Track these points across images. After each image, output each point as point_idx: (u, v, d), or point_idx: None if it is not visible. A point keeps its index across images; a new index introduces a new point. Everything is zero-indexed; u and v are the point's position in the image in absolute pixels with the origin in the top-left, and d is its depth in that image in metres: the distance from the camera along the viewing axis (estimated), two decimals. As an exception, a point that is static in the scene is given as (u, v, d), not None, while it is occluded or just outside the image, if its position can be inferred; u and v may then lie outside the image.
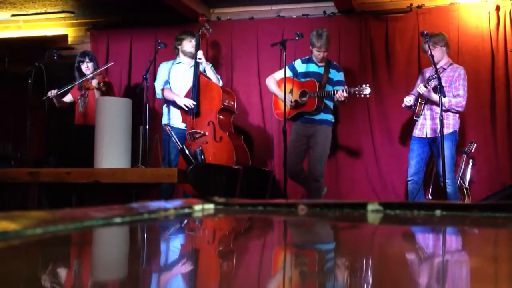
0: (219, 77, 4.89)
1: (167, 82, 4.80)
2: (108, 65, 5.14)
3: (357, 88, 4.34)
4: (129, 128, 3.47)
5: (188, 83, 4.68)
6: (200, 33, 4.73)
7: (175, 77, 4.83)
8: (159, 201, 1.02)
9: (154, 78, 5.19)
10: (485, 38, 5.13)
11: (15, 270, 0.55)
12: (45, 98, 4.86)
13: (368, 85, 4.35)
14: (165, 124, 4.75)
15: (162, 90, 4.78)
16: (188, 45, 4.80)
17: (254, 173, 4.53)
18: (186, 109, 4.56)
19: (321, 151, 4.64)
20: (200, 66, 4.63)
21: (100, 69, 4.93)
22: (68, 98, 5.13)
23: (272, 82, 4.78)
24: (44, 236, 0.72)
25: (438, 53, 4.43)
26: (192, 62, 4.76)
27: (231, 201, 1.11)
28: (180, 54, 4.85)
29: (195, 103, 4.53)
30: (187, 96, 4.63)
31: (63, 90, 4.89)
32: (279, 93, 4.64)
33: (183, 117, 4.68)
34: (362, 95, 4.35)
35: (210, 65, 4.80)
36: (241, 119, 5.66)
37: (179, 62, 4.87)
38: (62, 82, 5.02)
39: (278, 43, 4.48)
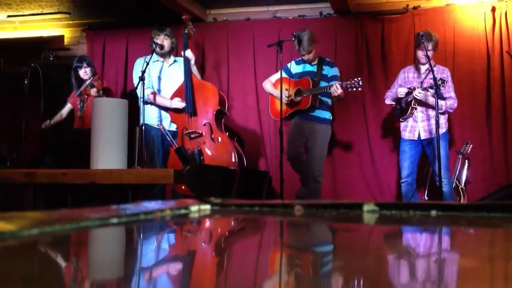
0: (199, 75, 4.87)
1: (150, 82, 4.70)
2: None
3: (349, 82, 4.33)
4: (125, 128, 3.46)
5: (172, 81, 4.70)
6: (186, 32, 4.72)
7: (155, 76, 4.77)
8: (155, 201, 1.02)
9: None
10: (480, 39, 5.14)
11: (11, 271, 0.55)
12: (43, 127, 5.01)
13: (360, 78, 4.33)
14: (159, 124, 4.72)
15: (153, 94, 4.67)
16: (158, 40, 4.70)
17: (250, 174, 4.53)
18: (180, 108, 4.55)
19: (319, 151, 4.64)
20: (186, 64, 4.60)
21: None
22: (67, 108, 5.10)
23: (269, 84, 4.82)
24: (40, 236, 0.72)
25: (429, 55, 4.43)
26: (171, 60, 4.79)
27: (227, 201, 1.12)
28: (157, 51, 4.68)
29: (184, 104, 4.52)
30: (175, 95, 4.62)
31: (55, 120, 5.01)
32: (275, 92, 4.64)
33: (173, 117, 4.66)
34: (354, 89, 4.32)
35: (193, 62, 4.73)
36: (237, 119, 5.66)
37: (157, 60, 4.77)
38: (58, 83, 5.01)
39: (274, 44, 4.49)
